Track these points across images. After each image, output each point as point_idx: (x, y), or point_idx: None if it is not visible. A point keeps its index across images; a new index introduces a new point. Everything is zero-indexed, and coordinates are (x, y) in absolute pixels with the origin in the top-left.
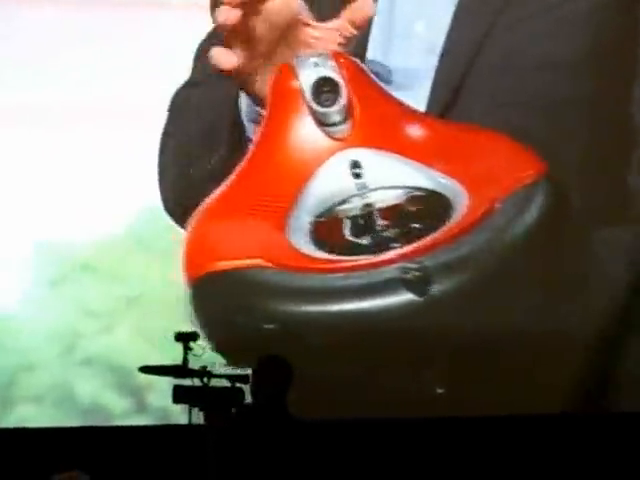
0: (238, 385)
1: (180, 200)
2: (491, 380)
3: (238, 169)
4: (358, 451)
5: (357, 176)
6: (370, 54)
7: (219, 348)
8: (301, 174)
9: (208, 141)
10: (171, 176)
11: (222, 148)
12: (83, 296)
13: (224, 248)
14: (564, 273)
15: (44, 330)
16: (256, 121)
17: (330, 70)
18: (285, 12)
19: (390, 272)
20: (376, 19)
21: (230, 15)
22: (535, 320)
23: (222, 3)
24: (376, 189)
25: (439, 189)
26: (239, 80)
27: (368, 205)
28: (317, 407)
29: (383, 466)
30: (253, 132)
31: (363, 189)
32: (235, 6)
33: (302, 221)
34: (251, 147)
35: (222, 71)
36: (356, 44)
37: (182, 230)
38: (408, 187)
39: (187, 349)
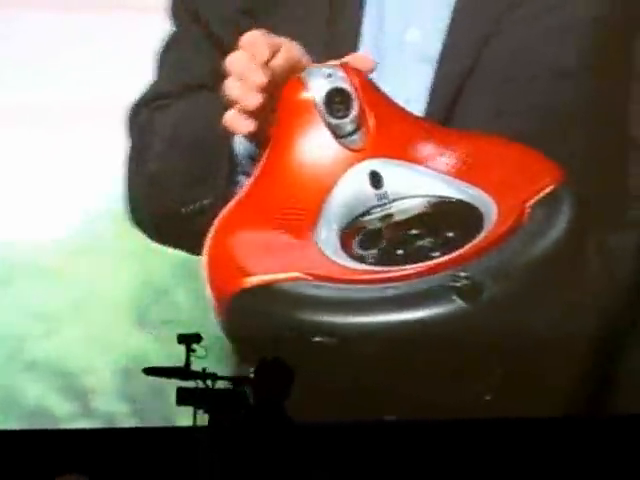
0: (241, 387)
1: (159, 222)
2: (526, 385)
3: (250, 183)
4: (362, 455)
5: (377, 187)
6: None
7: (250, 361)
8: (321, 186)
9: (197, 174)
10: (151, 204)
11: (219, 182)
12: (29, 298)
13: (257, 262)
14: (586, 279)
15: None
16: (253, 157)
17: (341, 81)
18: (289, 64)
19: (438, 280)
20: (365, 33)
21: (260, 99)
22: (563, 325)
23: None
24: (398, 199)
25: (465, 198)
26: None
27: (389, 215)
28: (353, 414)
29: (385, 470)
30: (250, 167)
31: (384, 199)
32: (260, 91)
33: (330, 232)
34: (262, 161)
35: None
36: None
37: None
38: (431, 196)
39: (190, 351)
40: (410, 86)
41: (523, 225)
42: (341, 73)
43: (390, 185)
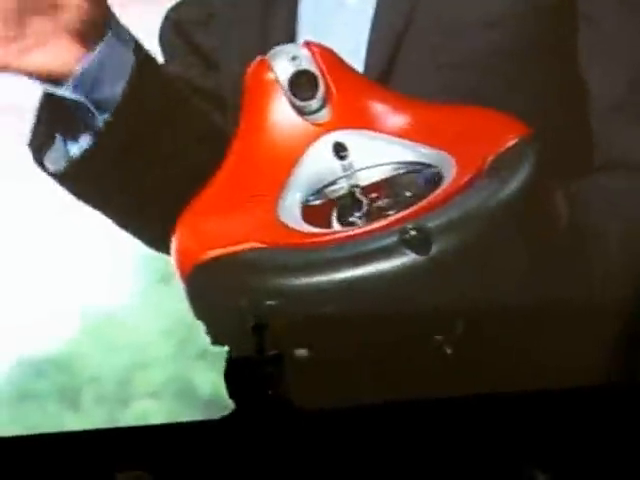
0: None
1: None
2: (495, 348)
3: (223, 166)
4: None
5: (342, 157)
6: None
7: (220, 339)
8: (287, 161)
9: None
10: None
11: None
12: None
13: (215, 238)
14: (559, 235)
15: (158, 326)
16: None
17: (306, 62)
18: None
19: (389, 235)
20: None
21: None
22: (529, 287)
23: None
24: (362, 169)
25: (425, 160)
26: None
27: (355, 185)
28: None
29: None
30: None
31: (349, 170)
32: None
33: (292, 200)
34: (233, 143)
35: None
36: (284, 30)
37: None
38: (394, 163)
39: None
40: (350, 42)
41: (481, 178)
42: (306, 53)
43: (355, 155)
